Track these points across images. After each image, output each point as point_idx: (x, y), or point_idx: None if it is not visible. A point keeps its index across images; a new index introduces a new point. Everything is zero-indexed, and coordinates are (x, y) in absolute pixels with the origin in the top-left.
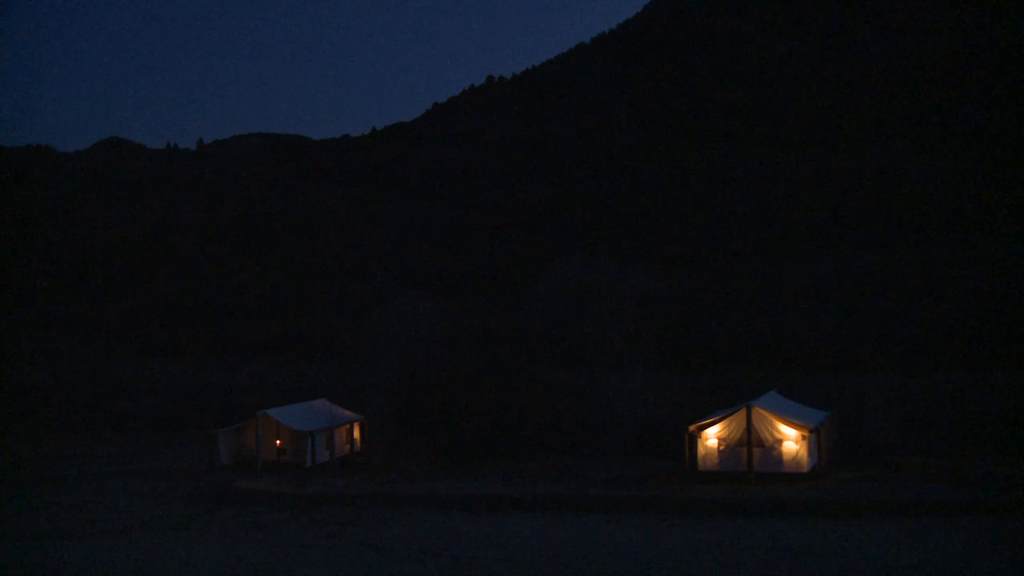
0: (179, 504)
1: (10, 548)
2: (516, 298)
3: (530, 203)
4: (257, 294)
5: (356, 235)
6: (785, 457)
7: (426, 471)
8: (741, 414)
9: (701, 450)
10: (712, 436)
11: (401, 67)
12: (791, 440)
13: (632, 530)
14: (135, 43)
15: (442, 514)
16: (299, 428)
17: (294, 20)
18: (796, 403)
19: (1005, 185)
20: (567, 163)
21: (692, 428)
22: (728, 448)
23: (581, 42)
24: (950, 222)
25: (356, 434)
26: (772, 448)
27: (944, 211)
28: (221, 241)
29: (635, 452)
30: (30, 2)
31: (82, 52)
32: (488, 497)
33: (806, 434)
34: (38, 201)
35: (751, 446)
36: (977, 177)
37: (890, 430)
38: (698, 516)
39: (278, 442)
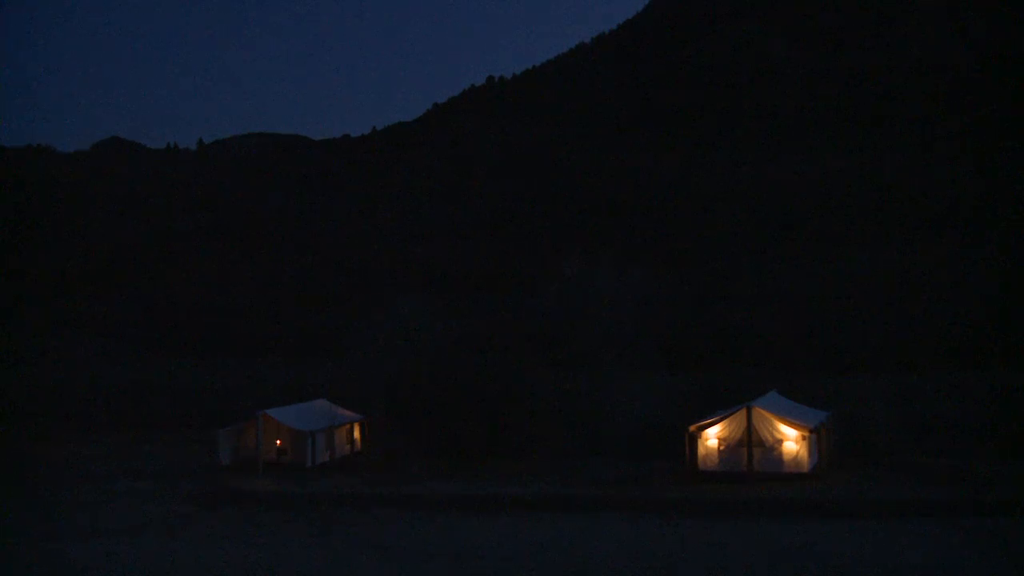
0: (179, 504)
1: (11, 548)
2: (517, 298)
3: (531, 203)
4: (257, 294)
5: (356, 235)
6: (785, 457)
7: (426, 471)
8: (741, 414)
9: (701, 450)
10: (712, 436)
11: (401, 67)
12: (791, 440)
13: (633, 530)
14: (135, 43)
15: (442, 514)
16: (299, 428)
17: (294, 20)
18: (796, 403)
19: (1006, 183)
20: (567, 163)
21: (692, 428)
22: (728, 448)
23: (581, 42)
24: (950, 221)
25: (356, 434)
26: (772, 448)
27: (944, 210)
28: (221, 241)
29: (635, 452)
30: (30, 2)
31: (82, 52)
32: (488, 497)
33: (806, 434)
34: (38, 201)
35: (751, 446)
36: (978, 175)
37: (890, 430)
38: (698, 516)
39: (278, 442)
